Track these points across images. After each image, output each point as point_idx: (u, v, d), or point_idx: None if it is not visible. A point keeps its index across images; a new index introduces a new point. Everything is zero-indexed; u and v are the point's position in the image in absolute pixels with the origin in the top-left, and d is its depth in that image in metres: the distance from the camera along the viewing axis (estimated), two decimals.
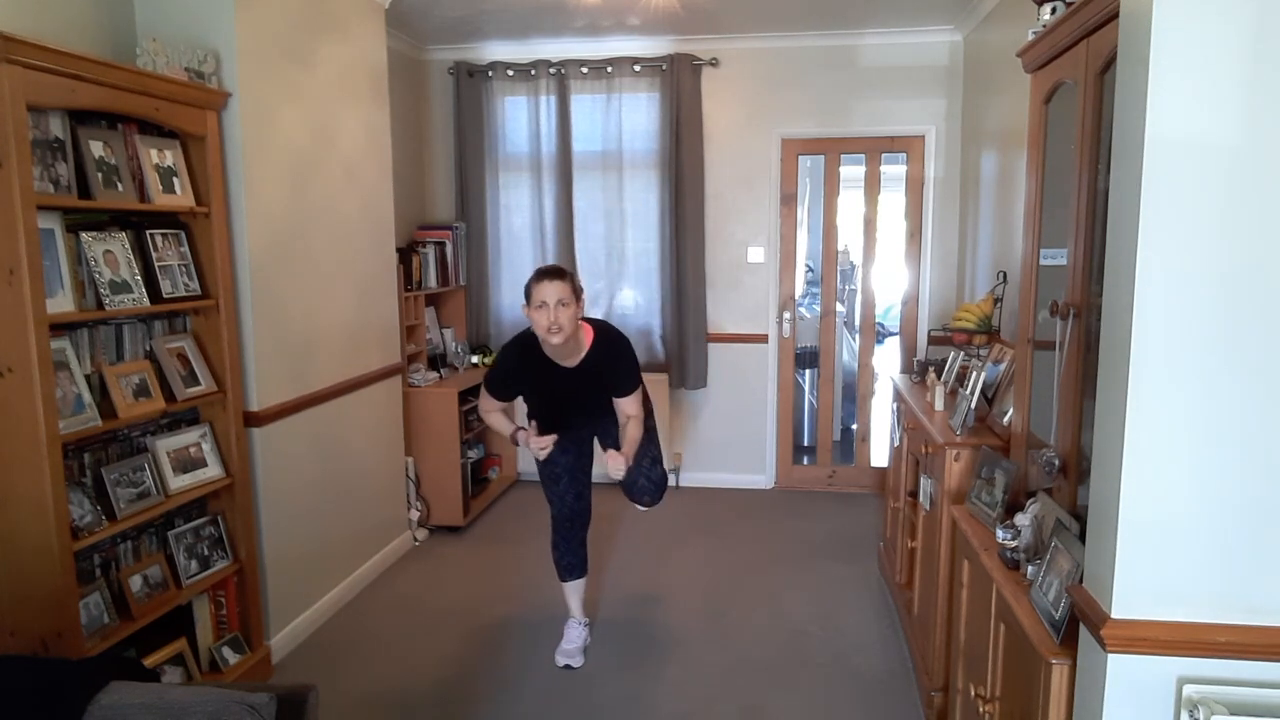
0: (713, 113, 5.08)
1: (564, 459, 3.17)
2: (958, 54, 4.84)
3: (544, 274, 2.84)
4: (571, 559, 3.29)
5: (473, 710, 2.91)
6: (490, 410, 3.13)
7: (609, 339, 3.02)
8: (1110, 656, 1.47)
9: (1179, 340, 1.41)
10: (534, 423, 2.99)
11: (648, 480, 3.22)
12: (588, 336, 2.98)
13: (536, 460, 3.08)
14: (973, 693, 2.13)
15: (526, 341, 2.98)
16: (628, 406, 3.03)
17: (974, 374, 2.91)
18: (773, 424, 5.33)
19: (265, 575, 3.15)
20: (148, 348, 2.73)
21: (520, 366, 3.01)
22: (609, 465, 2.90)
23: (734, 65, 5.04)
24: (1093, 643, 1.52)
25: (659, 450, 3.27)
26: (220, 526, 2.95)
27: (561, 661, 3.20)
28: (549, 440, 2.90)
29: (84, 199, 2.43)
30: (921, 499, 3.05)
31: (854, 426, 5.52)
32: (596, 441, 3.25)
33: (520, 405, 3.18)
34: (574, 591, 3.34)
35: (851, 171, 5.26)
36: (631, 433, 3.02)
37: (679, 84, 4.95)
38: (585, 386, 3.00)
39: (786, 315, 5.25)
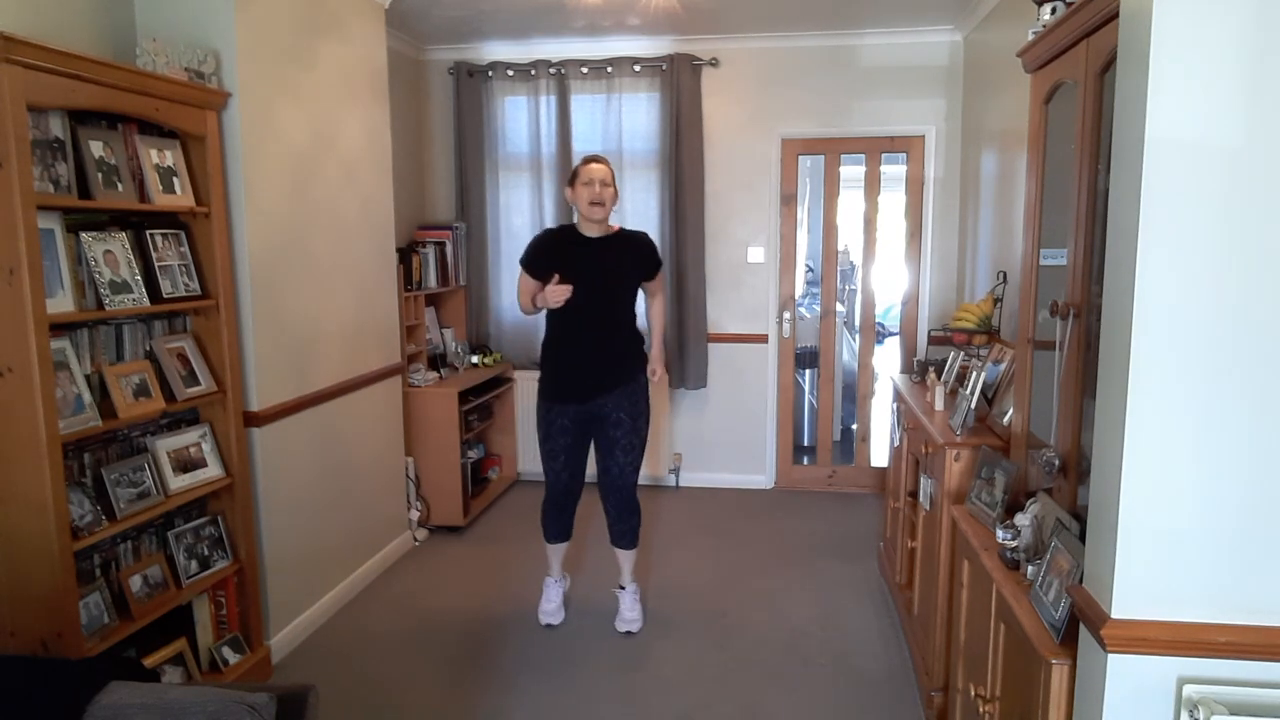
0: (713, 113, 5.08)
1: (564, 440, 3.36)
2: (958, 54, 4.84)
3: (590, 158, 3.30)
4: (559, 527, 3.55)
5: (472, 710, 2.91)
6: (525, 290, 3.35)
7: (632, 232, 3.44)
8: (1110, 656, 1.47)
9: (1179, 340, 1.41)
10: (556, 275, 3.21)
11: (620, 473, 3.38)
12: (613, 228, 3.38)
13: (540, 437, 3.39)
14: (973, 693, 2.13)
15: (556, 228, 3.55)
16: (656, 286, 3.49)
17: (974, 374, 2.91)
18: (773, 424, 5.33)
19: (265, 575, 3.15)
20: (148, 348, 2.73)
21: (552, 242, 3.38)
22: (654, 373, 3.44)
23: (734, 65, 5.04)
24: (1093, 643, 1.52)
25: (640, 460, 3.46)
26: (220, 526, 2.95)
27: (545, 620, 3.50)
28: (566, 289, 3.15)
29: (84, 199, 2.43)
30: (921, 499, 3.05)
31: (854, 426, 5.51)
32: (603, 430, 3.38)
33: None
34: (557, 554, 3.60)
35: (851, 171, 5.26)
36: (656, 310, 3.55)
37: (679, 84, 4.95)
38: (609, 264, 3.31)
39: (786, 315, 5.25)
